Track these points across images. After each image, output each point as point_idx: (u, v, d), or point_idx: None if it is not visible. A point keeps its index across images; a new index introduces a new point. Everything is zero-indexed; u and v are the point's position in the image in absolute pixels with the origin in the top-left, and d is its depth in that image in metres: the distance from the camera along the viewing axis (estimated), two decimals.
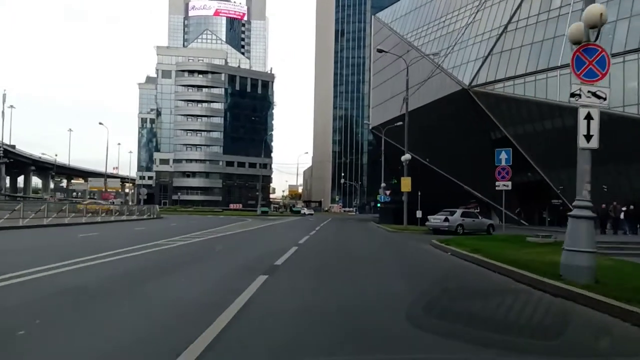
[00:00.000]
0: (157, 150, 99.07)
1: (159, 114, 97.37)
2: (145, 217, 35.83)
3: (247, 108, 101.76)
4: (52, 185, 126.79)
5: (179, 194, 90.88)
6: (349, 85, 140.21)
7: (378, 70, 63.56)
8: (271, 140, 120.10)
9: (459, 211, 23.17)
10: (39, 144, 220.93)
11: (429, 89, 48.91)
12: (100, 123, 54.48)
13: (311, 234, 21.35)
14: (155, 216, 37.17)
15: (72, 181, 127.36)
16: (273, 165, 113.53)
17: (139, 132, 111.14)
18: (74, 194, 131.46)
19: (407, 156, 27.19)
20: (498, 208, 35.83)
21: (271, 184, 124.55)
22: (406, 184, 26.92)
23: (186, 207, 64.43)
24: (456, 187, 48.09)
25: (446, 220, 22.11)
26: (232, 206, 61.71)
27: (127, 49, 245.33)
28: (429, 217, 23.49)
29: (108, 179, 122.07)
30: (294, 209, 67.75)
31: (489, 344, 3.85)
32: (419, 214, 26.63)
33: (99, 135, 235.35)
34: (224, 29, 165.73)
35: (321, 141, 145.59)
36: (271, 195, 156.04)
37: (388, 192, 52.06)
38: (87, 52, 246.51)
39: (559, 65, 33.26)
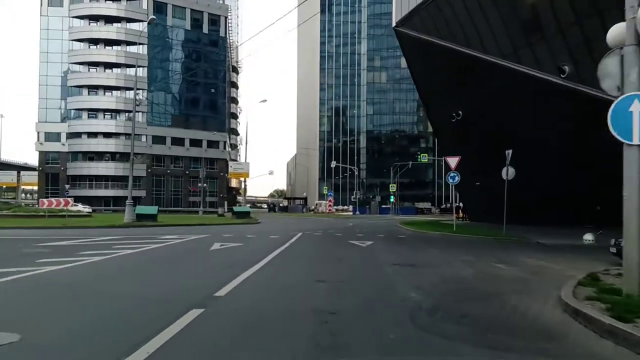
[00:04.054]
0: (66, 119, 63.18)
1: (45, 61, 61.89)
2: None
3: (188, 55, 67.09)
4: None
5: (67, 186, 55.76)
6: (340, 57, 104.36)
7: None
8: (234, 115, 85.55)
9: None
10: None
11: None
12: None
13: None
14: None
15: None
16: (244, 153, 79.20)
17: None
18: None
19: None
20: None
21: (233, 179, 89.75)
22: None
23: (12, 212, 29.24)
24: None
25: None
26: (43, 204, 26.79)
27: None
28: None
29: (24, 172, 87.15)
30: (235, 209, 33.21)
31: None
32: None
33: None
34: None
35: (306, 123, 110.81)
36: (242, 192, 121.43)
37: (454, 163, 17.82)
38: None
39: None
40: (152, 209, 25.15)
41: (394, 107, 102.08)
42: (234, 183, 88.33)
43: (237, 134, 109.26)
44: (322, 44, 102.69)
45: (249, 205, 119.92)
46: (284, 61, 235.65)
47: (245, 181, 41.41)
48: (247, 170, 35.97)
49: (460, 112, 27.96)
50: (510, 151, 18.22)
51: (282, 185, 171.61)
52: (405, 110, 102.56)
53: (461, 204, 53.60)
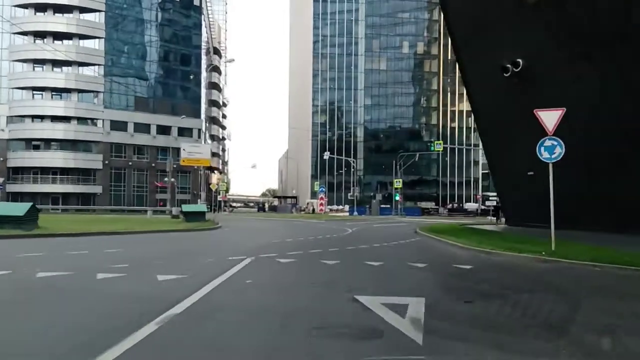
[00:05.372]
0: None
1: None
2: None
3: (154, 26, 56.89)
4: None
5: (0, 180, 45.49)
6: (336, 41, 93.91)
7: None
8: (216, 103, 75.63)
9: None
10: None
11: None
12: None
13: None
14: None
15: None
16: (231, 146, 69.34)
17: None
18: None
19: None
20: None
21: (213, 174, 79.95)
22: None
23: None
24: None
25: None
26: None
27: None
28: None
29: None
30: (185, 208, 22.93)
31: None
32: None
33: None
34: None
35: (298, 115, 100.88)
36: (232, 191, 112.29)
37: (554, 121, 6.41)
38: None
39: None
40: (16, 208, 14.98)
41: (394, 98, 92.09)
42: (214, 179, 78.13)
43: (223, 127, 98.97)
44: (316, 27, 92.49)
45: (238, 205, 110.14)
46: (276, 50, 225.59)
47: (216, 174, 31.28)
48: (207, 155, 25.85)
49: (519, 60, 18.06)
50: None
51: (275, 183, 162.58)
52: (407, 102, 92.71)
53: (489, 203, 44.03)
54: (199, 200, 52.32)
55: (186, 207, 23.68)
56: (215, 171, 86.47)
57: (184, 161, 25.15)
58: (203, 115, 64.82)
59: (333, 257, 9.53)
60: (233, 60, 38.43)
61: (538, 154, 10.86)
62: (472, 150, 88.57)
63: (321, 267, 8.03)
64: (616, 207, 17.15)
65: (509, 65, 18.46)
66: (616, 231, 15.78)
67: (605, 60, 15.60)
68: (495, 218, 28.14)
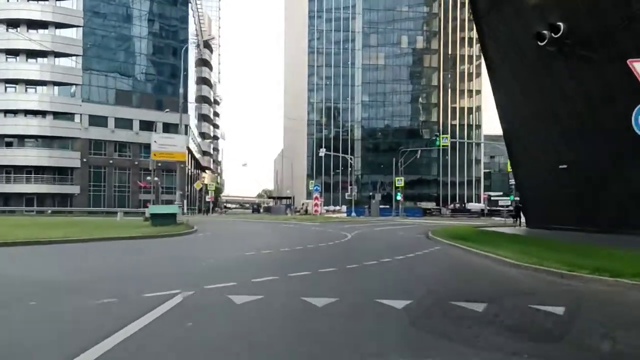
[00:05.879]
0: None
1: None
2: None
3: (137, 14, 53.07)
4: None
5: None
6: (332, 36, 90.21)
7: None
8: (206, 99, 71.99)
9: None
10: None
11: None
12: None
13: None
14: None
15: None
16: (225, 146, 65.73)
17: None
18: None
19: None
20: None
21: (204, 174, 76.49)
22: None
23: None
24: None
25: None
26: None
27: None
28: None
29: None
30: (152, 209, 19.21)
31: None
32: None
33: None
34: None
35: (294, 114, 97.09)
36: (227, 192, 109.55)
37: None
38: None
39: None
40: None
41: (392, 95, 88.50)
42: (208, 179, 74.44)
43: (216, 126, 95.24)
44: (311, 23, 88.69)
45: (234, 206, 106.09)
46: (270, 47, 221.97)
47: (207, 174, 27.52)
48: (181, 148, 21.97)
49: (560, 24, 14.45)
50: None
51: (271, 184, 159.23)
52: (405, 99, 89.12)
53: (502, 202, 40.60)
54: (185, 202, 48.59)
55: (153, 208, 19.93)
56: (207, 171, 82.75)
57: (155, 155, 21.60)
58: (193, 111, 61.12)
59: (325, 289, 5.85)
60: (213, 37, 35.47)
61: (635, 126, 7.25)
62: (473, 148, 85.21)
63: (302, 321, 4.34)
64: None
65: (545, 32, 14.86)
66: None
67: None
68: (514, 219, 24.67)
